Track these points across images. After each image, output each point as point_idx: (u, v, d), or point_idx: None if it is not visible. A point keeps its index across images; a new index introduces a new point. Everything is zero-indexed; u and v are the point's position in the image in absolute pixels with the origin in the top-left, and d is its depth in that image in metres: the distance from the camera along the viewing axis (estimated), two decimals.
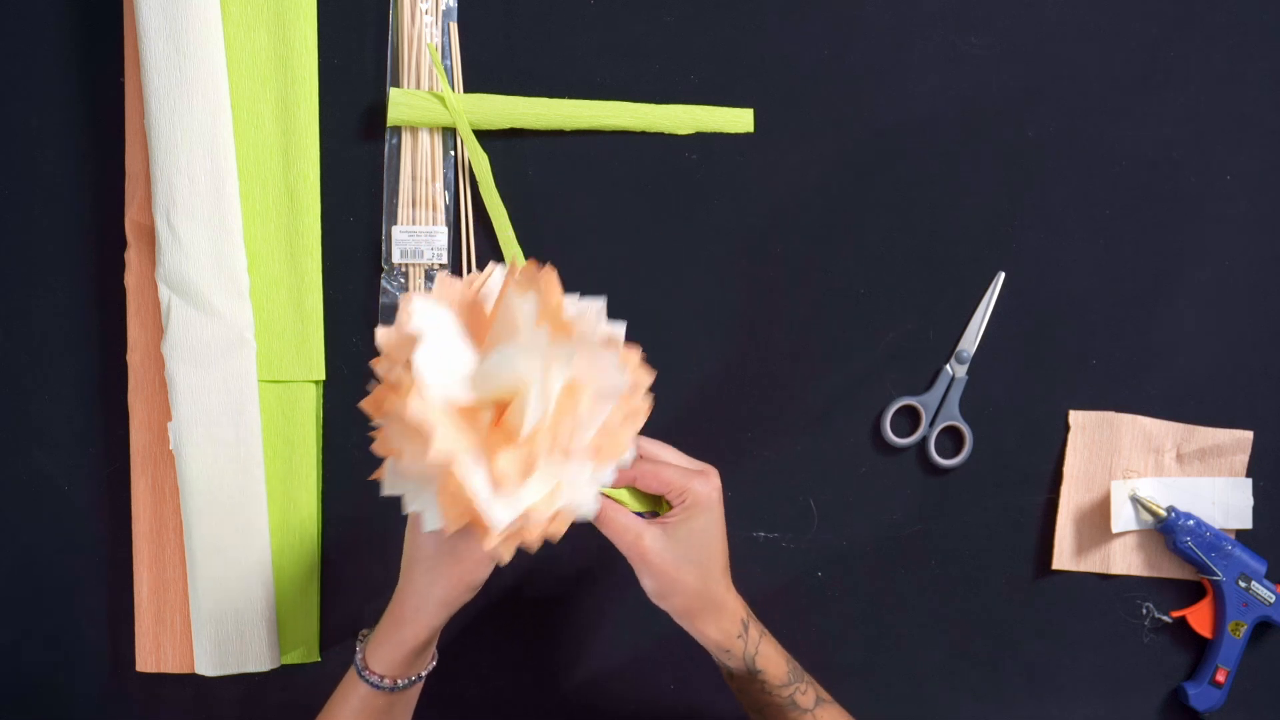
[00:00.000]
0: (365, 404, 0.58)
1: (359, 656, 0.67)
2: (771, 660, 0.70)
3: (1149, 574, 0.86)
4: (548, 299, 0.55)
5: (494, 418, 0.57)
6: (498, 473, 0.54)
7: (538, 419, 0.54)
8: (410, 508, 0.58)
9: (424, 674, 0.69)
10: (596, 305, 0.58)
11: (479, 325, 0.59)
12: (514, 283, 0.56)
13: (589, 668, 0.84)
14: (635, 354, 0.60)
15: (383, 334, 0.57)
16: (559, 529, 0.58)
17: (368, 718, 0.67)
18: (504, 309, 0.56)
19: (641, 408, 0.60)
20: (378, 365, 0.58)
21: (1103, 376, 0.85)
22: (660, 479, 0.66)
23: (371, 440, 0.58)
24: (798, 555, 0.84)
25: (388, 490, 0.58)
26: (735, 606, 0.69)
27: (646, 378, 0.60)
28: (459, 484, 0.54)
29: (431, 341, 0.55)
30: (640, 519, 0.67)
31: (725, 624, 0.69)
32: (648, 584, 0.67)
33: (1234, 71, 0.85)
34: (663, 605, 0.68)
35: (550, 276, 0.56)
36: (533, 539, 0.57)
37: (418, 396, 0.54)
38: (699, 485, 0.66)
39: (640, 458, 0.67)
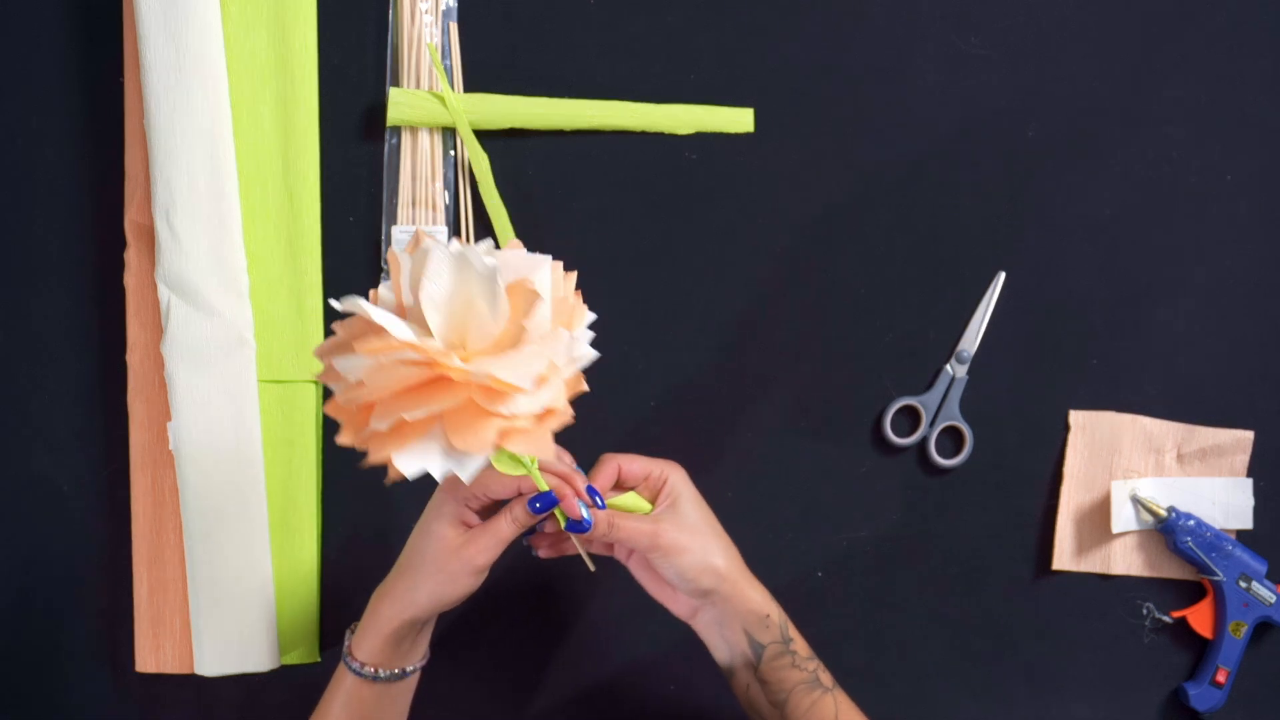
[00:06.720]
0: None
1: (346, 645, 0.69)
2: (797, 631, 0.71)
3: (1149, 574, 0.85)
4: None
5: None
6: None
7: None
8: (436, 471, 0.56)
9: (410, 670, 0.69)
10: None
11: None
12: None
13: (588, 669, 0.84)
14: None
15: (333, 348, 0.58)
16: (576, 386, 0.59)
17: (356, 708, 0.68)
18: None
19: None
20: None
21: (1103, 376, 0.85)
22: (638, 465, 0.69)
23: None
24: (798, 555, 0.84)
25: (414, 470, 0.56)
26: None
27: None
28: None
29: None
30: (648, 518, 0.67)
31: (760, 587, 0.70)
32: (682, 566, 0.67)
33: (1234, 71, 0.85)
34: (703, 585, 0.67)
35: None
36: (561, 404, 0.57)
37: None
38: (671, 469, 0.69)
39: (614, 464, 0.70)
